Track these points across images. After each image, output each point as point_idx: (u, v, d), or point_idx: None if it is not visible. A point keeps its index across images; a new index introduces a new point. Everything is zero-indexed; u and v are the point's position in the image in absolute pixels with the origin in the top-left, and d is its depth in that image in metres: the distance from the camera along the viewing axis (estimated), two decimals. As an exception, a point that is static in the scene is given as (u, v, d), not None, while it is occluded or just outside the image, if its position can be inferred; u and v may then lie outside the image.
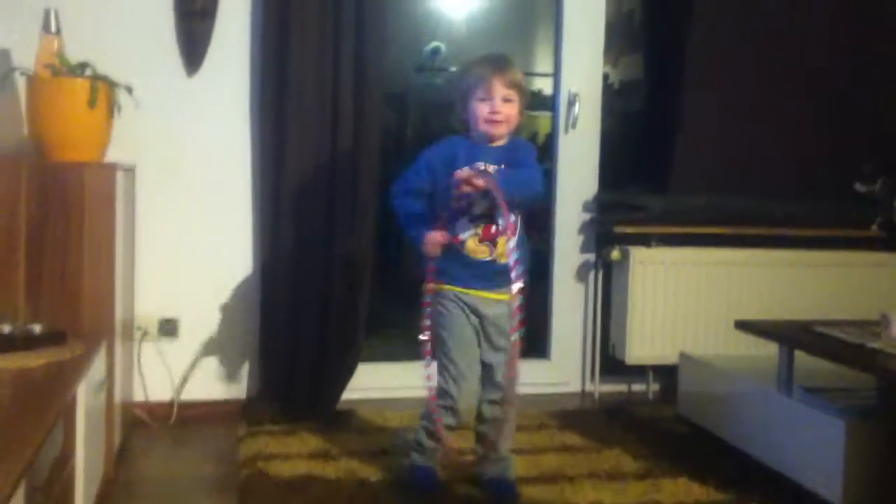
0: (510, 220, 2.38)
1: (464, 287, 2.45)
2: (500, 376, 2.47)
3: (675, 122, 3.70)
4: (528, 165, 2.46)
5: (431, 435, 2.49)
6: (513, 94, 2.42)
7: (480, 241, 2.43)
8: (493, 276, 2.43)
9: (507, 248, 2.38)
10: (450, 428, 2.47)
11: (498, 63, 2.44)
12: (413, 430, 2.59)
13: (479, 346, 2.48)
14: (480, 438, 2.53)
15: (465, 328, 2.46)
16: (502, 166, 2.42)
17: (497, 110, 2.41)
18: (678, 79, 3.69)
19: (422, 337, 2.45)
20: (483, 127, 2.43)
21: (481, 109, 2.42)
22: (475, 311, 2.46)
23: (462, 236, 2.43)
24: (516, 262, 2.32)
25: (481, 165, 2.41)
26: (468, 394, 2.46)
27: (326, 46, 3.12)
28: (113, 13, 3.08)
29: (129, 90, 2.83)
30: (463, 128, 2.51)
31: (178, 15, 3.12)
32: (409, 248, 2.58)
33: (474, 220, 2.42)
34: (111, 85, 2.76)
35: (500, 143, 2.48)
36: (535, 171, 2.46)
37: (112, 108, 2.77)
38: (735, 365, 3.02)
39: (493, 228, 2.42)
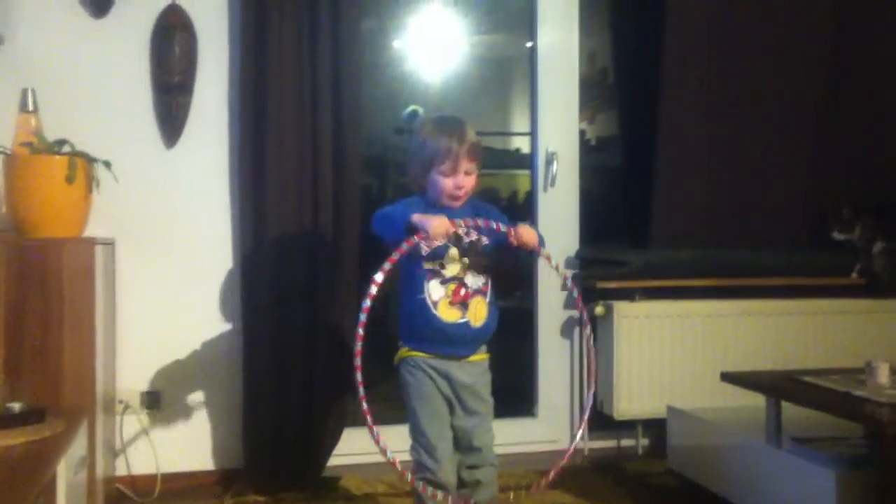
0: (480, 284, 2.39)
1: (434, 353, 2.40)
2: (477, 441, 2.41)
3: (653, 176, 3.74)
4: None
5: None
6: (473, 165, 2.39)
7: (451, 303, 2.38)
8: (466, 340, 2.40)
9: (483, 311, 2.38)
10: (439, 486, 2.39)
11: (461, 134, 2.36)
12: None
13: (452, 412, 2.42)
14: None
15: (434, 397, 2.39)
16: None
17: (462, 185, 2.37)
18: (654, 133, 3.73)
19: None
20: (445, 200, 2.39)
21: (445, 183, 2.36)
22: (446, 377, 2.40)
23: (434, 297, 2.37)
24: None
25: (461, 224, 2.33)
26: (444, 462, 2.38)
27: (304, 116, 3.15)
28: (90, 90, 3.11)
29: (108, 165, 2.84)
30: (418, 188, 2.45)
31: (155, 89, 3.15)
32: (392, 314, 2.51)
33: (445, 283, 2.38)
34: (89, 160, 2.78)
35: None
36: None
37: (90, 183, 2.79)
38: (723, 417, 3.01)
39: (463, 290, 2.38)
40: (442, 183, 2.37)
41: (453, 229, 2.27)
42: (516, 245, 2.33)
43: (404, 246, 2.23)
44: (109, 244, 2.98)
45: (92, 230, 2.89)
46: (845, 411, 2.49)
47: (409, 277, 2.40)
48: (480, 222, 2.31)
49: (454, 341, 2.39)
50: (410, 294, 2.39)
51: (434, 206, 2.42)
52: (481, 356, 2.46)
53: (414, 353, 2.41)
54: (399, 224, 2.29)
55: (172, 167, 3.18)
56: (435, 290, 2.38)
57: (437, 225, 2.22)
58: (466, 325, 2.39)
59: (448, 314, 2.38)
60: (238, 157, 3.17)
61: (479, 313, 2.40)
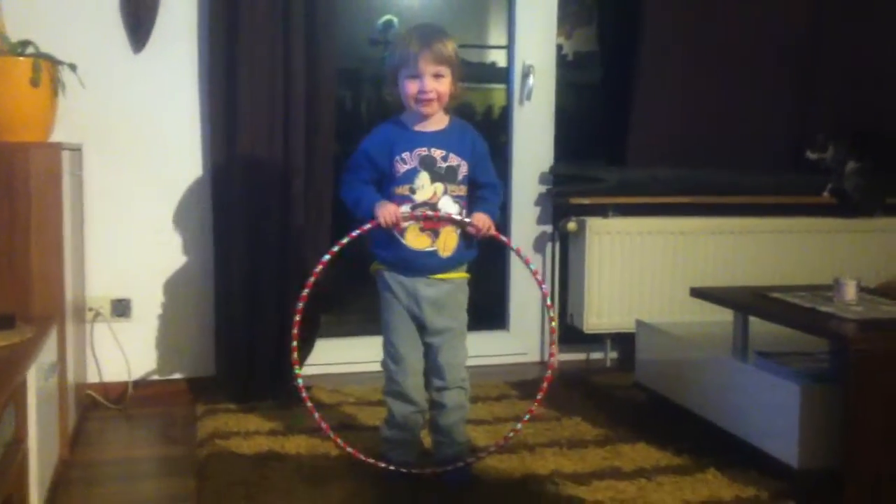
0: (455, 212, 2.36)
1: (403, 273, 2.39)
2: (441, 358, 2.41)
3: (630, 94, 3.72)
4: (488, 173, 2.45)
5: (394, 426, 2.45)
6: (443, 69, 2.30)
7: (422, 229, 2.35)
8: (434, 269, 2.38)
9: (453, 242, 2.36)
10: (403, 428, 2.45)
11: (427, 37, 2.30)
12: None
13: (423, 330, 2.42)
14: (432, 422, 2.49)
15: (401, 313, 2.40)
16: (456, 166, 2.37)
17: (426, 89, 2.30)
18: (633, 51, 3.69)
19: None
20: (413, 105, 2.34)
21: (410, 87, 2.31)
22: (413, 294, 2.39)
23: (402, 225, 2.34)
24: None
25: (423, 150, 2.34)
26: (411, 373, 2.41)
27: (276, 24, 3.06)
28: (55, -10, 3.01)
29: (73, 68, 2.78)
30: (395, 101, 2.40)
31: (122, -11, 3.05)
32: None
33: (416, 208, 2.33)
34: (54, 63, 2.71)
35: (440, 126, 2.39)
36: (497, 193, 2.46)
37: (56, 87, 2.73)
38: (691, 332, 3.04)
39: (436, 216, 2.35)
40: (407, 87, 2.32)
41: (400, 221, 2.30)
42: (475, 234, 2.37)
43: (356, 232, 2.34)
44: (77, 150, 2.93)
45: (58, 136, 2.83)
46: (811, 327, 2.53)
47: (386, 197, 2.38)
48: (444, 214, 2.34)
49: (422, 269, 2.38)
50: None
51: (406, 129, 2.38)
52: (456, 274, 2.43)
53: (390, 268, 2.41)
54: (358, 211, 2.37)
55: (140, 72, 3.11)
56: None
57: (386, 213, 2.29)
58: (434, 254, 2.36)
59: (416, 241, 2.35)
60: (208, 63, 3.09)
61: (448, 243, 2.37)
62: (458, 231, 2.37)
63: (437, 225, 2.35)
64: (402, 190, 2.35)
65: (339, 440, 2.46)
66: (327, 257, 2.38)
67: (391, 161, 2.35)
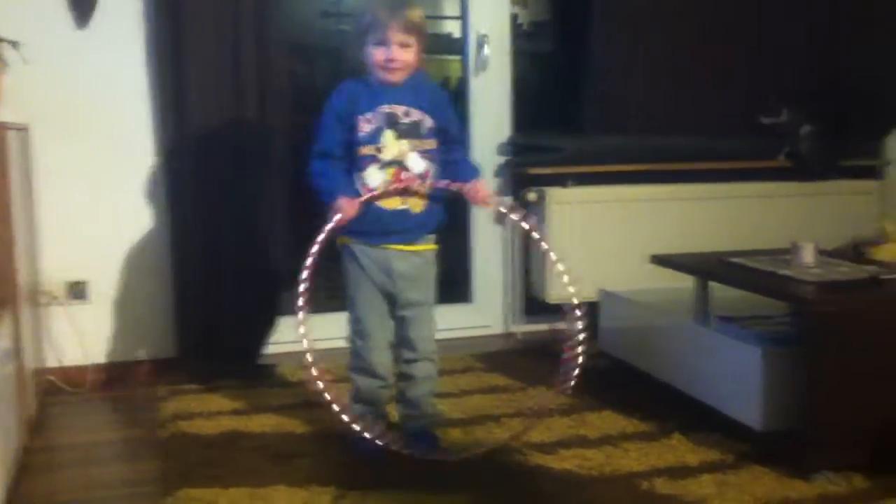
0: (423, 168, 2.34)
1: (374, 243, 2.37)
2: (413, 332, 2.41)
3: (585, 62, 3.70)
4: (453, 123, 2.43)
5: (359, 401, 2.45)
6: (410, 38, 2.30)
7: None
8: (407, 228, 2.37)
9: (422, 198, 2.35)
10: (371, 403, 2.45)
11: (396, 5, 2.30)
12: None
13: (393, 303, 2.41)
14: (400, 395, 2.49)
15: (370, 287, 2.39)
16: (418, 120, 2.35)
17: (393, 57, 2.29)
18: (587, 19, 3.67)
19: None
20: (380, 73, 2.32)
21: (377, 55, 2.30)
22: (385, 268, 2.38)
23: (372, 184, 2.33)
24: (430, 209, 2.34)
25: (386, 108, 2.32)
26: (377, 350, 2.41)
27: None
28: (-5, -36, 2.92)
29: (15, 45, 2.70)
30: (359, 68, 2.39)
31: (64, -37, 2.97)
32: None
33: (384, 167, 2.33)
34: (-5, 41, 2.63)
35: (401, 82, 2.37)
36: (467, 152, 2.49)
37: (-2, 65, 2.64)
38: (653, 299, 3.06)
39: (404, 175, 2.33)
40: (374, 54, 2.31)
41: (356, 210, 2.29)
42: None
43: (326, 228, 2.30)
44: (24, 130, 2.85)
45: (3, 115, 2.75)
46: (771, 290, 2.55)
47: (354, 162, 2.35)
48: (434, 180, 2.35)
49: (393, 230, 2.36)
50: (356, 175, 2.35)
51: (369, 87, 2.36)
52: (425, 246, 2.42)
53: (354, 242, 2.38)
54: (322, 197, 2.34)
55: (85, 48, 3.04)
56: (372, 177, 2.33)
57: (346, 209, 2.28)
58: (406, 212, 2.35)
59: (387, 201, 2.33)
60: (155, 38, 3.04)
61: (418, 199, 2.36)
62: (427, 185, 2.35)
63: (406, 182, 2.33)
64: (368, 150, 2.33)
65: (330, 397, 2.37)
66: (310, 259, 2.32)
67: (355, 120, 2.33)
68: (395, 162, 2.33)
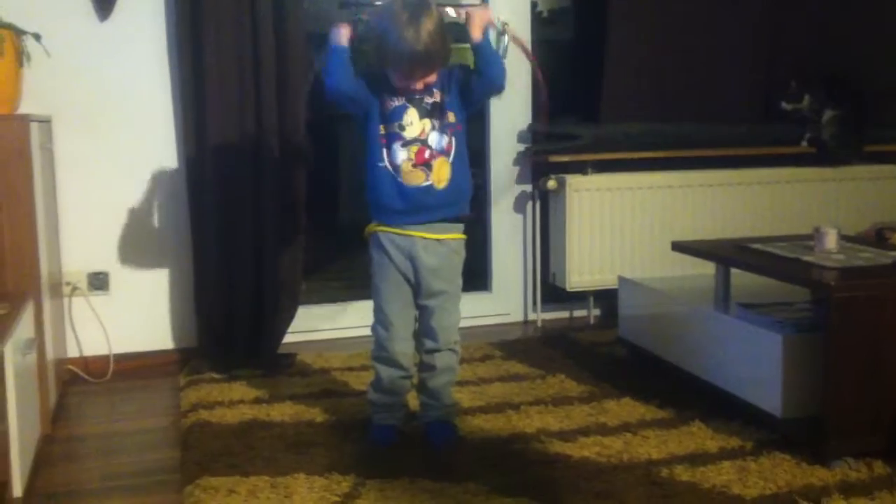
0: (445, 143, 2.34)
1: (399, 227, 2.37)
2: (435, 321, 2.41)
3: (605, 50, 3.68)
4: (459, 73, 2.39)
5: (380, 390, 2.46)
6: (434, 76, 2.30)
7: (414, 165, 2.33)
8: (432, 206, 2.36)
9: (446, 172, 2.34)
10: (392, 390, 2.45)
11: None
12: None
13: (417, 293, 2.41)
14: (420, 384, 2.49)
15: (395, 276, 2.39)
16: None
17: (415, 88, 2.29)
18: (605, 6, 3.65)
19: None
20: (393, 81, 2.32)
21: (398, 80, 2.29)
22: (410, 257, 2.38)
23: (396, 161, 2.33)
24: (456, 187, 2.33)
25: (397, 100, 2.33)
26: (399, 339, 2.41)
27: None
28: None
29: (37, 38, 2.72)
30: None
31: (85, -44, 2.98)
32: (346, 190, 2.49)
33: (406, 145, 2.33)
34: (18, 33, 2.65)
35: None
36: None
37: (20, 57, 2.68)
38: (673, 286, 3.04)
39: (428, 152, 2.33)
40: (395, 79, 2.30)
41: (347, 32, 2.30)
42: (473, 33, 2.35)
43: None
44: (46, 122, 2.87)
45: (26, 107, 2.78)
46: (793, 276, 2.52)
47: (370, 144, 2.36)
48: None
49: (420, 207, 2.35)
50: (372, 163, 2.36)
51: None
52: (452, 235, 2.41)
53: (381, 227, 2.39)
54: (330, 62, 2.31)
55: (107, 41, 3.05)
56: (397, 154, 2.34)
57: (339, 32, 2.29)
58: (430, 188, 2.34)
59: (411, 177, 2.33)
60: (176, 30, 3.04)
61: (442, 174, 2.35)
62: (451, 160, 2.35)
63: (428, 160, 2.33)
64: (392, 127, 2.34)
65: None
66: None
67: (381, 97, 2.33)
68: (418, 140, 2.34)
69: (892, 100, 3.82)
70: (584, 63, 3.93)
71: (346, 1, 4.49)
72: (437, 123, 2.34)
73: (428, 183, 2.34)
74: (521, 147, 3.68)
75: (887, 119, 3.84)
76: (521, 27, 3.65)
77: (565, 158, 3.57)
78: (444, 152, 2.35)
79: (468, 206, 2.45)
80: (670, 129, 3.68)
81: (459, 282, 2.46)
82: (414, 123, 2.33)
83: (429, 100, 2.34)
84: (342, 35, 2.30)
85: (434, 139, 2.34)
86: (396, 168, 2.33)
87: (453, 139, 2.36)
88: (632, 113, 3.68)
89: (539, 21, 3.97)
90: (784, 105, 3.75)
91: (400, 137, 2.33)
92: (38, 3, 2.93)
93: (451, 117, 2.36)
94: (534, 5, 3.82)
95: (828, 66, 3.77)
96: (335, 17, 4.43)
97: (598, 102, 3.71)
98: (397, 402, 2.48)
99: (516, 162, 3.68)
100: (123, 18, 3.06)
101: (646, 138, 3.65)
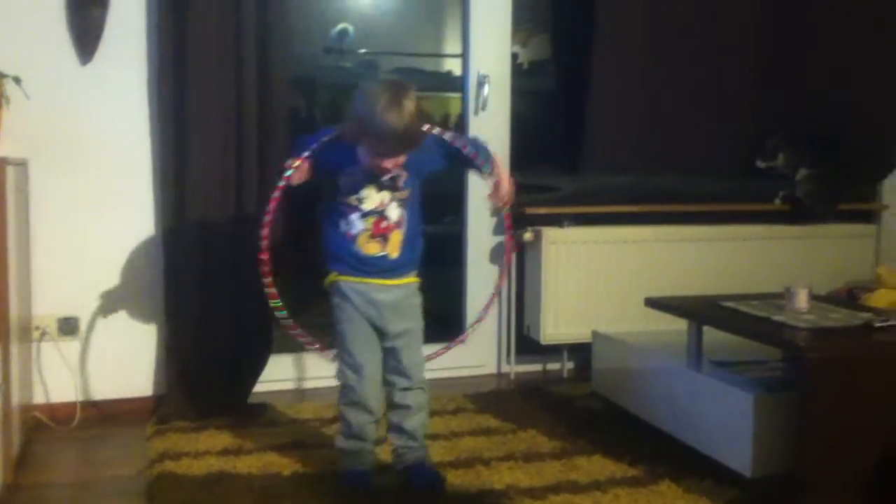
0: (399, 216, 2.40)
1: (357, 276, 2.42)
2: (405, 359, 2.43)
3: (585, 101, 3.71)
4: (448, 148, 2.43)
5: (351, 437, 2.46)
6: (403, 157, 2.31)
7: (372, 236, 2.40)
8: (386, 270, 2.42)
9: (399, 242, 2.41)
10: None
11: (393, 141, 2.23)
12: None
13: (382, 336, 2.44)
14: (395, 428, 2.49)
15: (358, 320, 2.42)
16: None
17: (385, 167, 2.31)
18: (587, 58, 3.69)
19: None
20: (364, 164, 2.34)
21: (373, 161, 2.30)
22: (370, 300, 2.42)
23: (352, 232, 2.39)
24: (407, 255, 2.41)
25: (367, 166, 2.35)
26: (370, 381, 2.43)
27: (227, 31, 3.03)
28: (-2, 0, 2.94)
29: (17, 81, 2.72)
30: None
31: (69, 1, 2.98)
32: (317, 239, 2.51)
33: (364, 216, 2.39)
34: (-3, 76, 2.65)
35: None
36: (479, 143, 2.50)
37: (0, 100, 2.66)
38: (647, 341, 3.05)
39: (384, 223, 2.39)
40: (367, 158, 2.31)
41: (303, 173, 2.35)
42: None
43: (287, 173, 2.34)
44: (22, 164, 2.86)
45: (3, 150, 2.76)
46: (764, 336, 2.54)
47: (331, 209, 2.42)
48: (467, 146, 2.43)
49: (375, 271, 2.42)
50: (333, 224, 2.42)
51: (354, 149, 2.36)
52: (408, 279, 2.48)
53: (340, 276, 2.43)
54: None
55: (88, 84, 3.05)
56: (354, 224, 2.40)
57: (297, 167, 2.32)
58: (385, 257, 2.41)
59: (368, 247, 2.41)
60: (157, 74, 3.05)
61: (395, 243, 2.42)
62: (403, 231, 2.41)
63: (385, 231, 2.39)
64: (351, 200, 2.39)
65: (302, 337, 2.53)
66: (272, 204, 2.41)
67: (341, 170, 2.37)
68: (376, 212, 2.39)
69: (867, 157, 3.87)
70: (564, 114, 3.96)
71: (330, 47, 4.55)
72: (394, 196, 2.39)
73: (383, 253, 2.41)
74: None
75: (862, 177, 3.89)
76: (502, 78, 3.69)
77: (542, 210, 3.58)
78: (398, 225, 2.41)
79: (419, 263, 2.50)
80: (649, 183, 3.70)
81: (421, 323, 2.50)
82: (372, 196, 2.38)
83: (386, 176, 2.36)
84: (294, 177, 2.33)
85: (392, 211, 2.40)
86: (353, 237, 2.39)
87: (406, 211, 2.42)
88: (611, 165, 3.71)
89: (519, 72, 4.01)
90: (759, 163, 3.79)
91: (357, 209, 2.39)
92: (20, 46, 2.93)
93: (406, 193, 2.41)
94: (514, 56, 3.85)
95: (805, 124, 3.81)
96: (321, 62, 4.49)
97: (577, 154, 3.74)
98: (367, 448, 2.48)
99: (494, 213, 3.69)
100: (105, 62, 3.06)
101: (624, 191, 3.67)
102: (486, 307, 2.81)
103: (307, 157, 2.32)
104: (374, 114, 2.20)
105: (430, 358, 2.57)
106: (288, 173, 2.32)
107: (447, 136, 2.43)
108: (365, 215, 2.39)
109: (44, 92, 2.94)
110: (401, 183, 2.40)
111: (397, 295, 2.44)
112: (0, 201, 2.47)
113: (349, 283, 2.42)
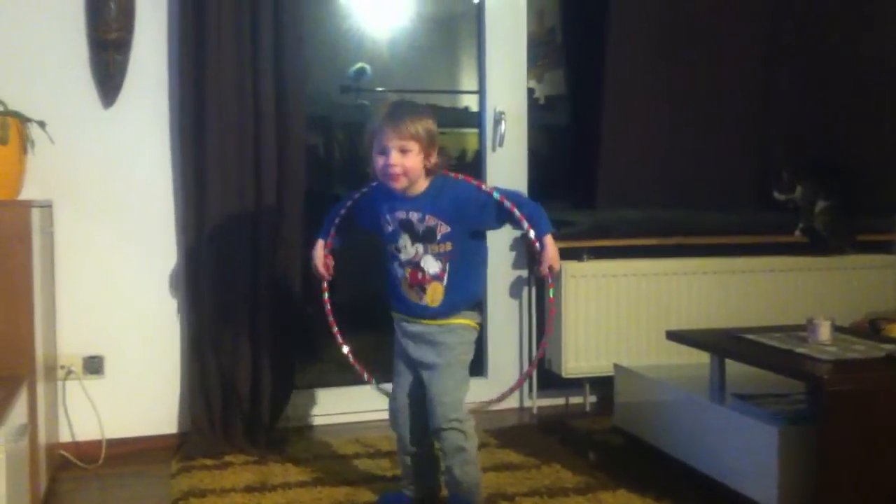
0: (438, 269, 2.39)
1: (402, 313, 2.50)
2: (432, 390, 2.41)
3: (600, 136, 3.74)
4: (486, 208, 2.39)
5: (399, 451, 2.57)
6: (410, 144, 2.29)
7: (410, 285, 2.43)
8: (427, 316, 2.44)
9: (440, 294, 2.41)
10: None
11: (394, 114, 2.30)
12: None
13: (415, 367, 2.48)
14: (445, 471, 2.49)
15: (401, 352, 2.51)
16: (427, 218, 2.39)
17: (392, 163, 2.30)
18: (601, 93, 3.73)
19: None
20: (382, 179, 2.36)
21: (378, 161, 2.33)
22: (404, 332, 2.49)
23: (398, 276, 2.46)
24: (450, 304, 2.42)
25: (402, 214, 2.39)
26: (398, 406, 2.51)
27: (245, 73, 3.07)
28: (23, 47, 3.00)
29: (42, 125, 2.77)
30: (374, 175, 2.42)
31: (91, 46, 3.04)
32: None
33: (403, 265, 2.43)
34: (23, 120, 2.70)
35: (420, 190, 2.38)
36: (537, 209, 2.45)
37: (25, 144, 2.72)
38: (668, 374, 3.04)
39: (420, 275, 2.41)
40: (376, 161, 2.34)
41: (324, 268, 2.54)
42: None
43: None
44: (47, 207, 2.91)
45: (28, 193, 2.81)
46: (787, 369, 2.53)
47: (384, 251, 2.49)
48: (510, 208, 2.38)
49: (415, 314, 2.46)
50: (388, 263, 2.48)
51: (391, 192, 2.39)
52: (456, 320, 2.44)
53: (394, 312, 2.52)
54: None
55: (110, 127, 3.10)
56: (397, 270, 2.46)
57: (317, 263, 2.55)
58: (425, 307, 2.44)
59: (409, 294, 2.45)
60: (178, 117, 3.09)
61: (436, 296, 2.42)
62: (444, 283, 2.41)
63: (421, 281, 2.42)
64: (391, 248, 2.45)
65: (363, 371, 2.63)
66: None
67: (380, 220, 2.45)
68: (412, 262, 2.41)
69: (884, 188, 3.87)
70: (581, 148, 3.99)
71: (347, 86, 4.60)
72: (429, 247, 2.40)
73: (423, 303, 2.44)
74: (518, 233, 3.70)
75: (879, 208, 3.89)
76: (519, 114, 3.72)
77: (561, 245, 3.58)
78: (438, 278, 2.41)
79: (470, 307, 2.48)
80: (666, 216, 3.72)
81: (452, 356, 2.44)
82: (407, 247, 2.42)
83: (420, 226, 2.39)
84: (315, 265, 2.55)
85: (428, 263, 2.40)
86: (399, 281, 2.46)
87: (447, 265, 2.40)
88: (628, 199, 3.73)
89: (536, 107, 4.04)
90: (777, 195, 3.80)
91: (397, 258, 2.44)
92: (45, 91, 2.99)
93: (446, 247, 2.39)
94: (531, 91, 3.89)
95: (820, 155, 3.83)
96: (337, 100, 4.54)
97: (594, 188, 3.76)
98: (412, 469, 2.55)
99: (512, 247, 3.71)
100: (127, 105, 3.11)
101: (642, 224, 3.68)
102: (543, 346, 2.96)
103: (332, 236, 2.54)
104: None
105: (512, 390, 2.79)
106: (324, 284, 2.59)
107: (496, 194, 2.38)
108: (403, 264, 2.43)
109: (68, 135, 2.99)
110: (438, 235, 2.38)
111: (429, 328, 2.45)
112: (26, 243, 2.52)
113: (396, 317, 2.51)
